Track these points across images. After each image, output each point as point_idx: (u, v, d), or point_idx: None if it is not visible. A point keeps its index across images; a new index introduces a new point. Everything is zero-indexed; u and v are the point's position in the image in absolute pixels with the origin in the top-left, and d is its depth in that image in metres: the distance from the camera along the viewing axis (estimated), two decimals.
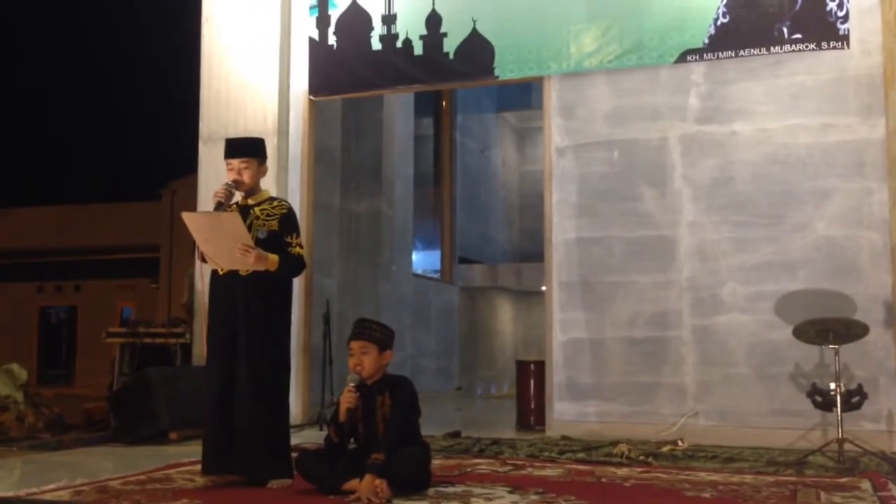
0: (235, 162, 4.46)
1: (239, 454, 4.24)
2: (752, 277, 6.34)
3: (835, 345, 5.30)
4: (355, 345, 4.11)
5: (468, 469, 4.85)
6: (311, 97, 7.78)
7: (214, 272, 4.42)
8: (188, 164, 8.03)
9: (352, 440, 4.14)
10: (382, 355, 4.12)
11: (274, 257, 4.29)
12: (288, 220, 4.47)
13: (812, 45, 6.36)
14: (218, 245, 4.28)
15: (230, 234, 4.20)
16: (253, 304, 4.30)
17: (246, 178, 4.45)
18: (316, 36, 7.72)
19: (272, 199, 4.57)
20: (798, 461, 5.16)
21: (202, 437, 4.44)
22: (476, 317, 15.87)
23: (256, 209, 4.45)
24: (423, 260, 14.71)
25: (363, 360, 4.08)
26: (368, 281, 11.16)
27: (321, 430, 6.52)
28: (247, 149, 4.54)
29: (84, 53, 42.21)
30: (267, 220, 4.42)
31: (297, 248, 4.43)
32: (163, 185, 23.44)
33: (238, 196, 4.51)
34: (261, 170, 4.53)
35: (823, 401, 5.40)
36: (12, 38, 38.23)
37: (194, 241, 4.43)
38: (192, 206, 7.81)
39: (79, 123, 38.47)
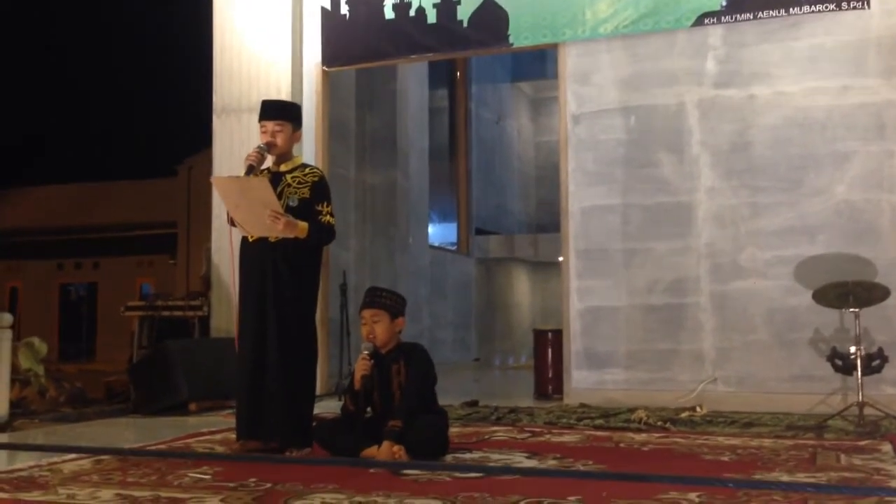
0: (270, 124, 4.38)
1: (265, 421, 4.24)
2: (772, 242, 6.28)
3: (855, 308, 5.25)
4: (367, 313, 4.11)
5: (486, 436, 4.86)
6: (325, 68, 7.74)
7: (244, 239, 4.37)
8: (203, 139, 8.02)
9: (368, 409, 4.14)
10: (395, 322, 4.11)
11: (304, 225, 4.23)
12: (320, 187, 4.40)
13: (831, 6, 6.25)
14: (248, 211, 4.23)
15: (259, 200, 4.14)
16: (282, 271, 4.25)
17: (279, 140, 4.36)
18: (328, 5, 7.66)
19: (304, 165, 4.49)
20: (818, 425, 5.13)
21: (235, 403, 4.43)
22: (493, 288, 15.87)
23: (288, 177, 4.38)
24: (439, 232, 14.69)
25: (375, 329, 4.07)
26: (385, 253, 11.16)
27: (339, 400, 6.54)
28: (282, 111, 4.49)
29: (96, 33, 42.23)
30: (298, 188, 4.34)
31: (328, 217, 4.36)
32: (179, 162, 23.49)
33: (270, 162, 4.44)
34: (294, 135, 4.45)
35: (843, 365, 5.36)
36: (28, 25, 38.28)
37: (216, 210, 4.38)
38: (207, 181, 7.82)
39: (94, 102, 38.57)
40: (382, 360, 4.10)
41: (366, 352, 4.06)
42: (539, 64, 16.71)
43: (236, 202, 4.28)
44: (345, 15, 7.63)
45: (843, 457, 4.07)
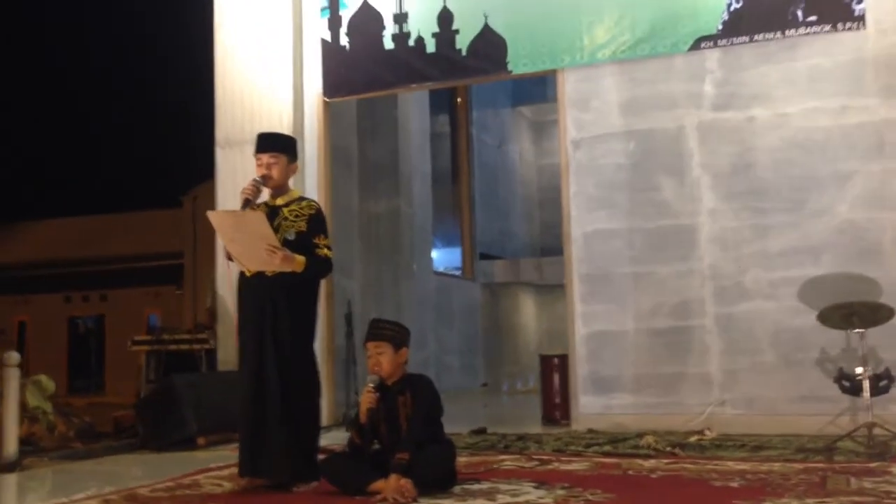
0: (265, 157, 4.41)
1: (268, 457, 4.23)
2: (775, 263, 6.28)
3: (860, 328, 5.25)
4: (371, 345, 4.12)
5: (494, 465, 4.85)
6: (326, 99, 7.80)
7: (242, 274, 4.38)
8: (207, 169, 8.07)
9: (375, 442, 4.14)
10: (399, 353, 4.12)
11: (300, 258, 4.24)
12: (316, 220, 4.41)
13: (827, 27, 6.29)
14: (244, 245, 4.24)
15: (256, 234, 4.15)
16: (280, 306, 4.25)
17: (274, 173, 4.38)
18: (328, 37, 7.74)
19: (301, 198, 4.51)
20: (827, 447, 5.11)
21: (238, 439, 4.43)
22: (499, 312, 15.84)
23: (285, 210, 4.39)
24: (443, 257, 14.69)
25: (380, 360, 4.08)
26: (390, 280, 11.17)
27: (347, 430, 6.53)
28: (276, 143, 4.51)
29: (99, 67, 42.58)
30: (295, 221, 4.36)
31: (325, 250, 4.37)
32: (183, 192, 23.56)
33: (266, 195, 4.46)
34: (290, 168, 4.48)
35: (851, 385, 5.35)
36: (32, 56, 38.65)
37: (220, 242, 4.39)
38: (213, 210, 7.86)
39: (98, 135, 38.82)
40: (388, 392, 4.10)
41: (371, 384, 4.06)
42: (539, 88, 16.76)
43: (232, 236, 4.29)
44: (344, 46, 7.71)
45: (853, 480, 4.05)
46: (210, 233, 4.36)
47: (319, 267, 4.38)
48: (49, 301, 25.37)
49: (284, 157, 4.44)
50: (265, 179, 4.39)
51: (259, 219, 4.20)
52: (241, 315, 4.38)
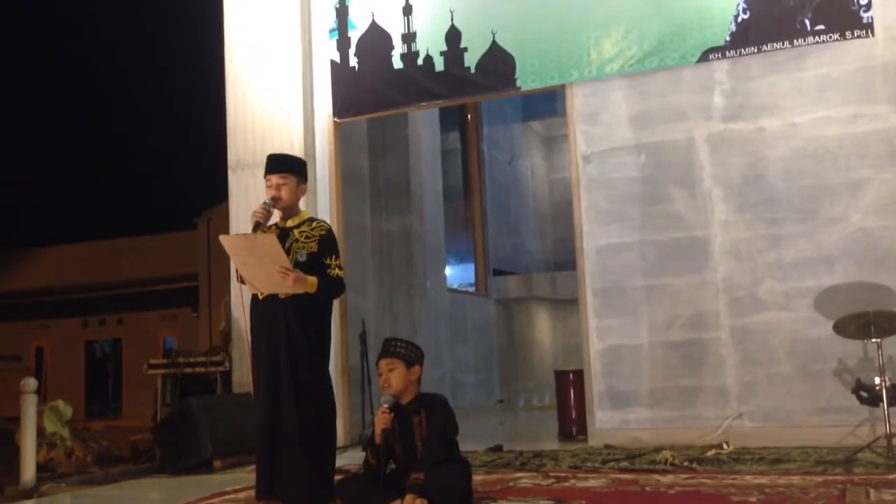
0: (274, 178, 4.41)
1: (286, 480, 4.22)
2: (790, 274, 6.25)
3: (877, 338, 5.21)
4: (382, 363, 4.12)
5: (510, 483, 4.82)
6: (336, 119, 7.84)
7: (254, 297, 4.38)
8: (221, 191, 8.11)
9: (391, 462, 4.12)
10: (410, 371, 4.11)
11: (313, 280, 4.24)
12: (327, 241, 4.41)
13: (836, 36, 6.28)
14: (256, 268, 4.25)
15: (268, 257, 4.16)
16: (294, 327, 4.25)
17: (284, 194, 4.38)
18: (337, 58, 7.79)
19: (311, 219, 4.51)
20: (846, 459, 5.06)
21: (254, 461, 4.42)
22: (513, 328, 15.81)
23: (296, 231, 4.40)
24: (457, 274, 14.69)
25: (391, 378, 4.08)
26: (403, 299, 11.17)
27: (363, 450, 6.52)
28: (285, 165, 4.51)
29: (114, 92, 42.98)
30: (306, 243, 4.36)
31: (337, 270, 4.37)
32: (198, 214, 23.69)
33: (277, 217, 4.48)
34: (300, 189, 4.48)
35: (869, 396, 5.30)
36: (45, 80, 39.06)
37: (233, 265, 4.40)
38: (226, 232, 7.90)
39: (114, 161, 39.13)
40: (403, 411, 4.09)
41: (385, 405, 4.05)
42: (549, 102, 16.79)
43: (245, 259, 4.29)
44: (354, 67, 7.75)
45: (872, 492, 4.01)
46: (225, 255, 4.37)
47: (332, 287, 4.38)
48: (66, 326, 25.51)
49: (294, 178, 4.45)
50: (275, 201, 4.39)
51: (271, 241, 4.21)
52: (255, 337, 4.38)
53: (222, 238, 4.35)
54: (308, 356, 4.28)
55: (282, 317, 4.27)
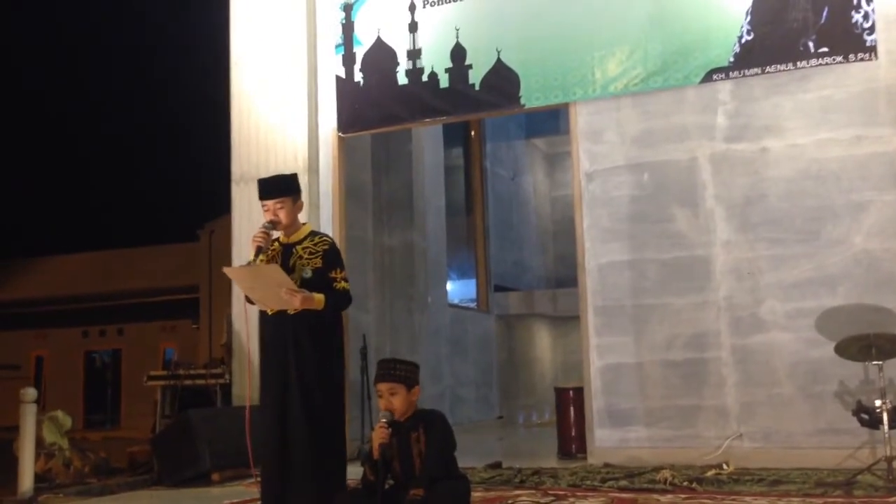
0: (270, 203, 4.41)
1: (292, 496, 4.20)
2: (791, 294, 6.25)
3: (879, 361, 5.20)
4: (383, 387, 4.08)
5: (509, 501, 4.81)
6: (340, 134, 7.86)
7: (262, 312, 4.39)
8: (224, 203, 8.15)
9: (389, 478, 4.11)
10: (412, 392, 4.09)
11: (319, 297, 4.24)
12: (331, 255, 4.41)
13: (839, 58, 6.31)
14: (263, 291, 4.26)
15: (273, 281, 4.18)
16: (303, 341, 4.25)
17: (282, 217, 4.39)
18: (342, 74, 7.82)
19: (314, 233, 4.51)
20: (846, 481, 5.05)
21: (261, 476, 4.40)
22: (514, 344, 15.79)
23: (299, 248, 4.39)
24: (458, 289, 14.68)
25: (393, 402, 4.04)
26: (404, 313, 11.16)
27: (361, 466, 6.50)
28: (278, 188, 4.50)
29: (118, 103, 43.16)
30: (310, 259, 4.36)
31: (342, 283, 4.37)
32: (200, 226, 23.72)
33: (278, 232, 4.51)
34: (297, 206, 4.47)
35: (870, 418, 5.29)
36: (46, 93, 39.24)
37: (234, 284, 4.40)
38: (228, 245, 7.92)
39: (116, 171, 39.26)
40: (401, 428, 4.07)
41: (383, 420, 4.03)
42: (552, 120, 16.83)
43: (250, 286, 4.32)
44: (359, 82, 7.79)
45: None
46: (226, 266, 4.38)
47: (339, 301, 4.38)
48: (66, 335, 25.49)
49: (289, 199, 4.44)
50: (274, 225, 4.41)
51: (275, 270, 4.21)
52: (264, 352, 4.37)
53: (226, 270, 4.38)
54: (318, 369, 4.27)
55: (290, 331, 4.26)
